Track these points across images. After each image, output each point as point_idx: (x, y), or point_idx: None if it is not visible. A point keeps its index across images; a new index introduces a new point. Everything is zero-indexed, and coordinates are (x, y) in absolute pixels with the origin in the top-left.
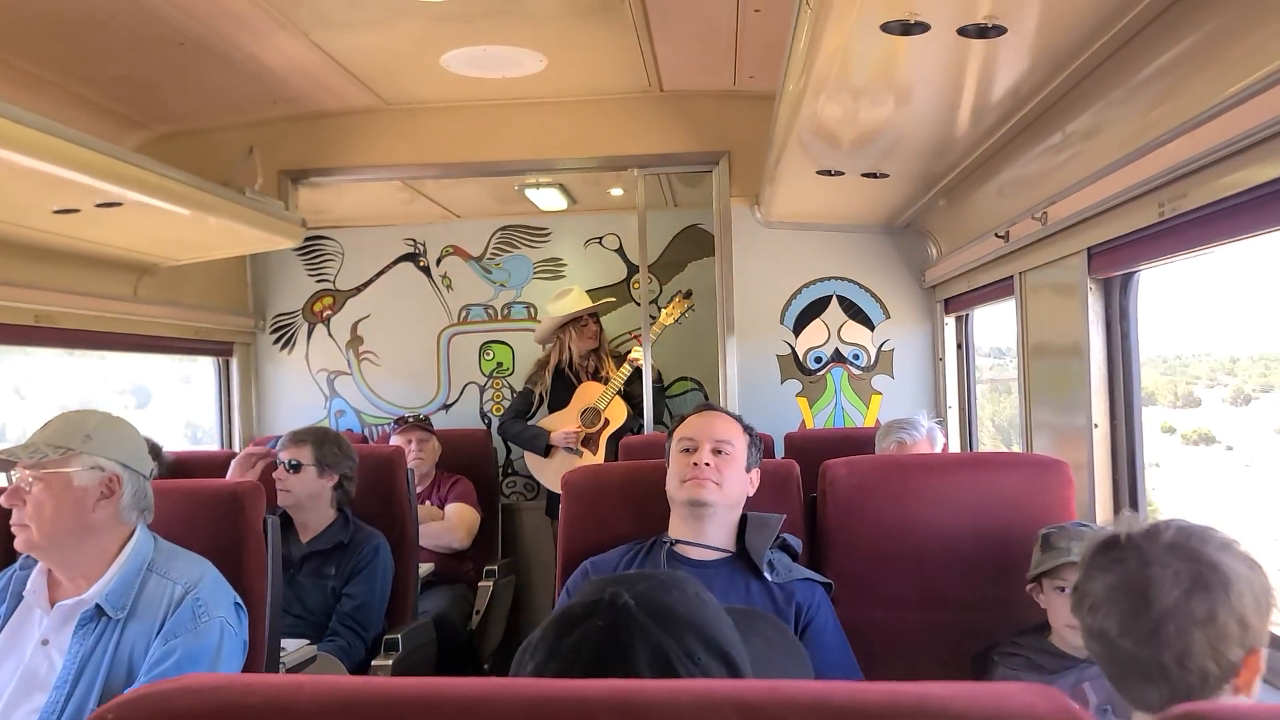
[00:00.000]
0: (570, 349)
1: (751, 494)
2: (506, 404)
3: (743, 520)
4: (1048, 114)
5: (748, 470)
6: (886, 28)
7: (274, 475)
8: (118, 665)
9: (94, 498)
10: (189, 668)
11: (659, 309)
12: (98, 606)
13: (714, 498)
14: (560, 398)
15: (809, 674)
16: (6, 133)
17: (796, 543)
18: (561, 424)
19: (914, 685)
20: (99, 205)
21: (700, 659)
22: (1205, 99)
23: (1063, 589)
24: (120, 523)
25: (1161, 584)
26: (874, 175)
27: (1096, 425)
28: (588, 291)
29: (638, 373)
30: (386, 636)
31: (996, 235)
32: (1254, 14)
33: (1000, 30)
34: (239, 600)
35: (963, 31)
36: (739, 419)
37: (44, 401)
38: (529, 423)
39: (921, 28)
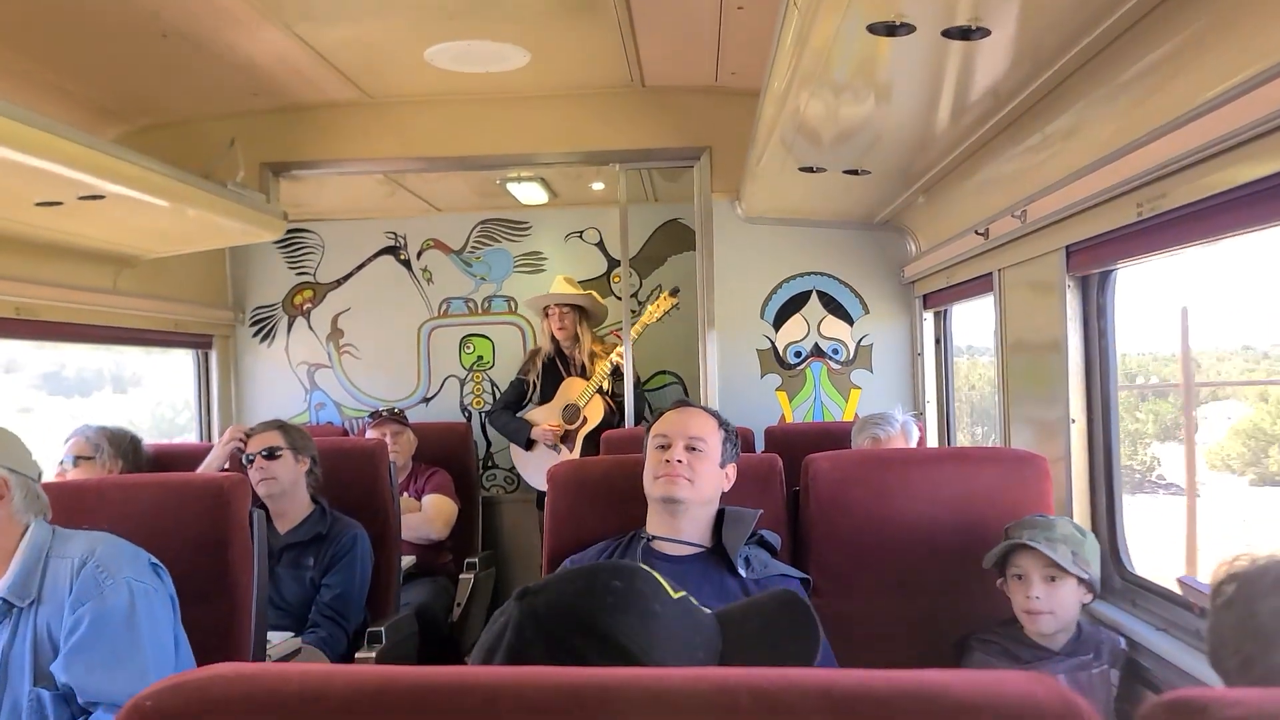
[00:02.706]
0: (555, 337)
1: (727, 489)
2: (487, 397)
3: (720, 515)
4: (1028, 114)
5: (723, 466)
6: (873, 28)
7: (254, 467)
8: (41, 647)
9: None
10: (104, 630)
11: (639, 303)
12: (4, 599)
13: (686, 494)
14: (549, 390)
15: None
16: None
17: (775, 538)
18: (545, 418)
19: (912, 673)
20: (81, 198)
21: (587, 655)
22: (1184, 102)
23: (1019, 576)
24: (15, 524)
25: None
26: (855, 172)
27: (1074, 420)
28: (586, 292)
29: (618, 370)
30: (370, 629)
31: (976, 232)
32: (1231, 20)
33: (984, 32)
34: (154, 560)
35: (947, 33)
36: (716, 415)
37: None
38: (520, 413)
39: (907, 29)
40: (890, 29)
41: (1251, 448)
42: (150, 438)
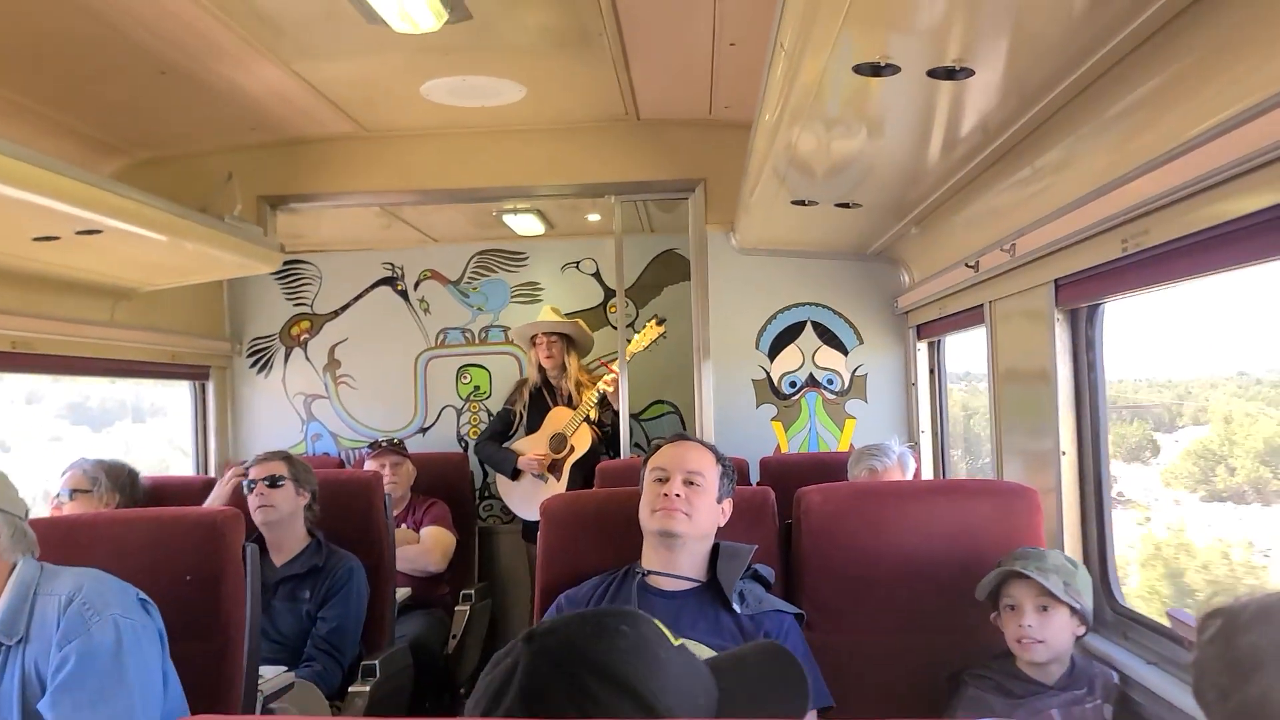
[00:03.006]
0: (541, 366)
1: (723, 524)
2: (484, 427)
3: (715, 550)
4: (1015, 150)
5: (719, 501)
6: (858, 69)
7: (255, 493)
8: (29, 685)
9: None
10: (91, 668)
11: (635, 333)
12: None
13: (684, 529)
14: (535, 419)
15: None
16: None
17: (769, 572)
18: (532, 448)
19: None
20: (79, 232)
21: (602, 699)
22: (1167, 139)
23: (1011, 606)
24: (2, 563)
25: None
26: (847, 205)
27: (1064, 453)
28: (565, 315)
29: (605, 399)
30: (364, 662)
31: (966, 265)
32: (1212, 60)
33: (968, 72)
34: (143, 596)
35: (932, 73)
36: (713, 449)
37: None
38: (507, 443)
39: (892, 69)
40: (876, 69)
41: (1202, 467)
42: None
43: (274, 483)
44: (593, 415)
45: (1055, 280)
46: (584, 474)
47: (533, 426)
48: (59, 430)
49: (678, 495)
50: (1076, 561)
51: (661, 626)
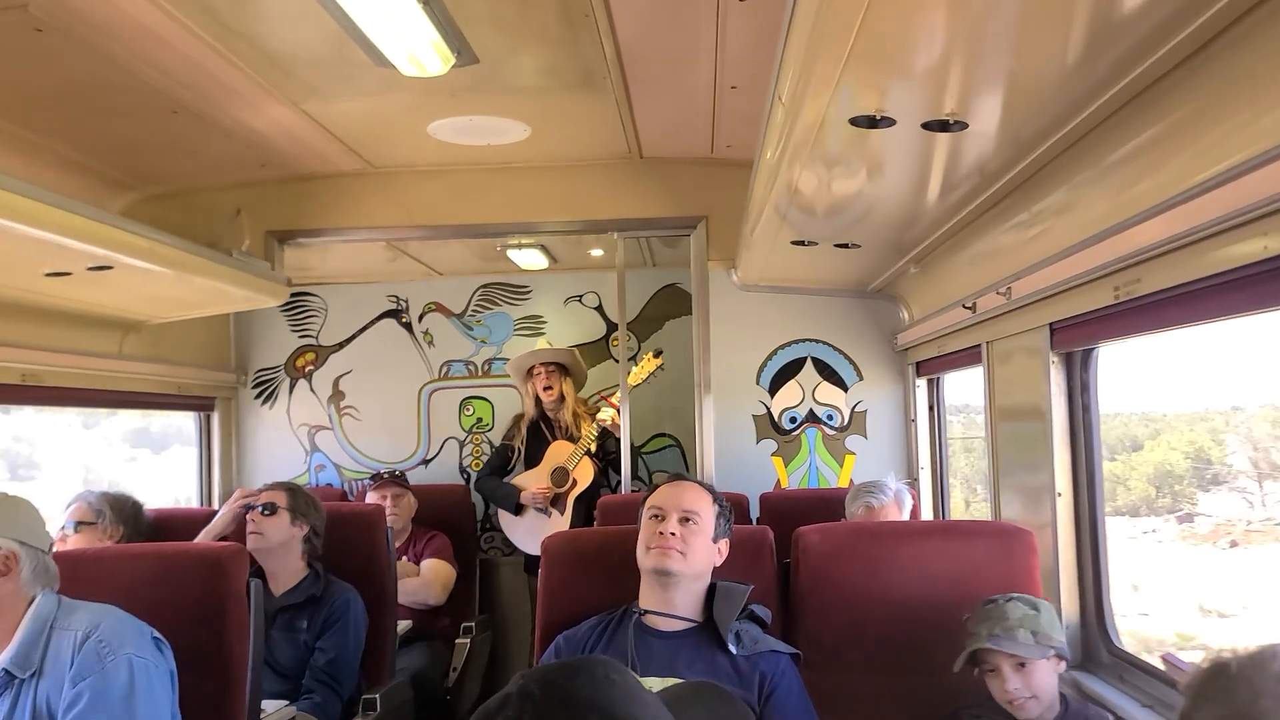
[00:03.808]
0: (539, 400)
1: (719, 564)
2: (485, 459)
3: (712, 589)
4: (1011, 196)
5: (715, 540)
6: (855, 121)
7: (248, 518)
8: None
9: None
10: (101, 706)
11: (637, 366)
12: (5, 670)
13: (679, 567)
14: (534, 454)
15: None
16: (1, 202)
17: (765, 613)
18: (533, 482)
19: None
20: (90, 268)
21: None
22: (1160, 191)
23: (992, 670)
24: (21, 596)
25: (1273, 716)
26: (846, 245)
27: (1060, 494)
28: (567, 348)
29: (605, 432)
30: (365, 696)
31: (964, 306)
32: (1205, 114)
33: (962, 125)
34: (157, 635)
35: (926, 126)
36: (710, 488)
37: None
38: (506, 478)
39: (888, 122)
40: (871, 122)
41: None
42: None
43: (269, 510)
44: (593, 448)
45: (1051, 324)
46: (587, 507)
47: (532, 460)
48: (128, 453)
49: (673, 534)
50: (1038, 602)
51: (636, 677)
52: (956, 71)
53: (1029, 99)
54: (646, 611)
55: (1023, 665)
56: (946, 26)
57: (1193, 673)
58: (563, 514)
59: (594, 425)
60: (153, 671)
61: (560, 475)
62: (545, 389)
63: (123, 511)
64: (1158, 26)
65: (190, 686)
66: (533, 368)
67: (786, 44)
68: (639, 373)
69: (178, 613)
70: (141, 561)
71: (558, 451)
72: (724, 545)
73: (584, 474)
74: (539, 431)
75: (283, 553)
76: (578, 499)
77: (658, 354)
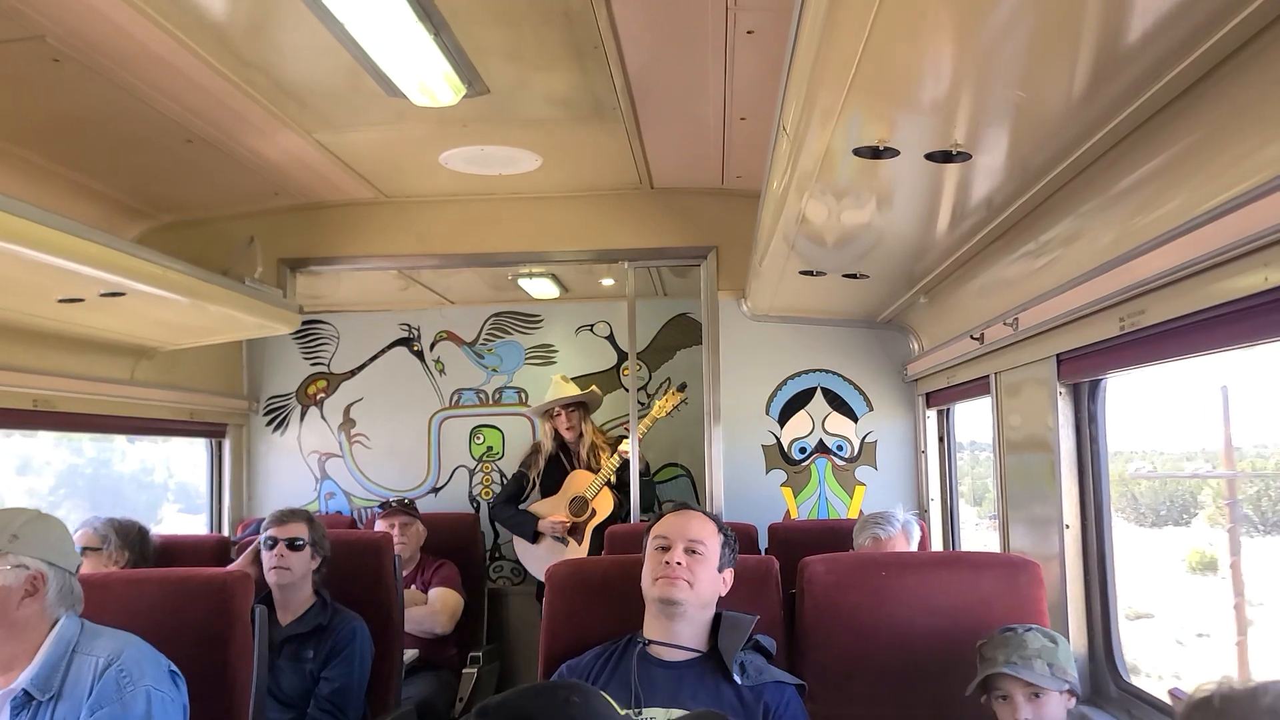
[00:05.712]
0: (561, 434)
1: (724, 594)
2: (496, 488)
3: (717, 620)
4: (1016, 227)
5: (721, 570)
6: (859, 152)
7: (274, 552)
8: None
9: (17, 596)
10: None
11: (648, 395)
12: (25, 691)
13: (684, 596)
14: (552, 482)
15: None
16: (15, 228)
17: (770, 643)
18: (551, 511)
19: None
20: (103, 295)
21: None
22: (1164, 222)
23: (1004, 698)
24: (45, 618)
25: None
26: (854, 276)
27: (1068, 526)
28: (577, 378)
29: (627, 464)
30: None
31: (972, 337)
32: (1209, 144)
33: (966, 156)
34: (174, 668)
35: (930, 157)
36: (715, 519)
37: None
38: (521, 505)
39: (891, 153)
40: (875, 153)
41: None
42: None
43: (294, 545)
44: (613, 479)
45: (1057, 355)
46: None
47: (549, 490)
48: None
49: (679, 563)
50: (1056, 635)
51: (611, 701)
52: (958, 103)
53: (1032, 130)
54: (651, 641)
55: (1037, 695)
56: (947, 58)
57: (1185, 704)
58: (581, 544)
59: (615, 458)
60: (169, 704)
61: (579, 505)
62: (568, 428)
63: (128, 537)
64: (1160, 57)
65: (193, 713)
66: (553, 409)
67: (790, 75)
68: (664, 406)
69: (182, 638)
70: (147, 586)
71: (577, 481)
72: (729, 575)
73: (603, 505)
74: (558, 460)
75: (300, 584)
76: (596, 529)
77: (681, 388)
